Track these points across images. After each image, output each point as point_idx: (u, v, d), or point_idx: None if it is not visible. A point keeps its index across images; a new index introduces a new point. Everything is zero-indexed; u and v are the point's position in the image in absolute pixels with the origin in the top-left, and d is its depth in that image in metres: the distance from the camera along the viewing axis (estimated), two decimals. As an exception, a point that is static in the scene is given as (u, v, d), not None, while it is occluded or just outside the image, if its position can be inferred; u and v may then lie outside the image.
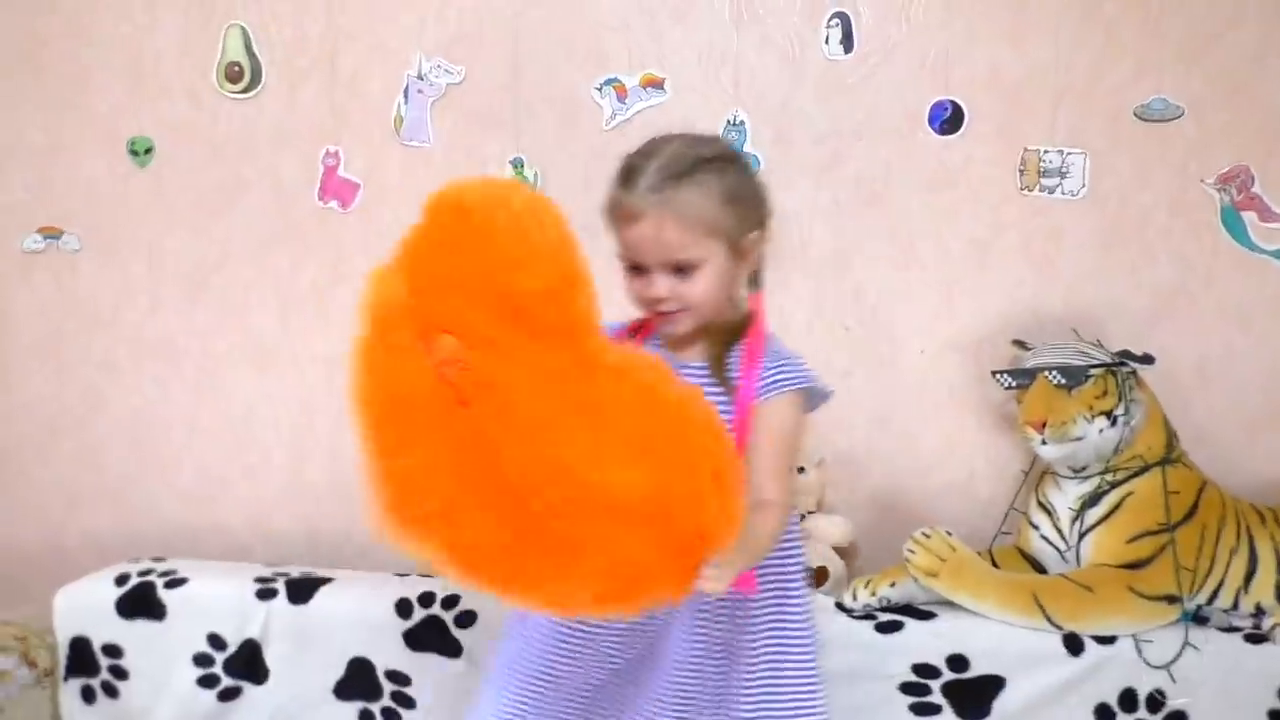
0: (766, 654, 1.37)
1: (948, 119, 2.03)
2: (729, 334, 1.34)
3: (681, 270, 1.27)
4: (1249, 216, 1.98)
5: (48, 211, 2.29)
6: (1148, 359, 1.83)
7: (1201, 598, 1.80)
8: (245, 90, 2.22)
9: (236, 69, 2.22)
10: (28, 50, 2.25)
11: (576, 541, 1.14)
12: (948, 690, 1.78)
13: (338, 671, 1.93)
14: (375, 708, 1.92)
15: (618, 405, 1.16)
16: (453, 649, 1.89)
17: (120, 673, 1.98)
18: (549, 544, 1.15)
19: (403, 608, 1.91)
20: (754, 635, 1.37)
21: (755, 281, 1.37)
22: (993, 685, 1.77)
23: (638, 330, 1.39)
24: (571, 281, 1.17)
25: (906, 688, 1.78)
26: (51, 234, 2.29)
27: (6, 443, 2.35)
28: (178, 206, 2.26)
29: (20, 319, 2.32)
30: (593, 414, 1.15)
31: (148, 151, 2.25)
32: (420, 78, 2.16)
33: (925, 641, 1.78)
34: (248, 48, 2.20)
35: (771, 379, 1.30)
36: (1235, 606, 1.81)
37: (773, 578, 1.36)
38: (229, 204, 2.25)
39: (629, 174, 1.28)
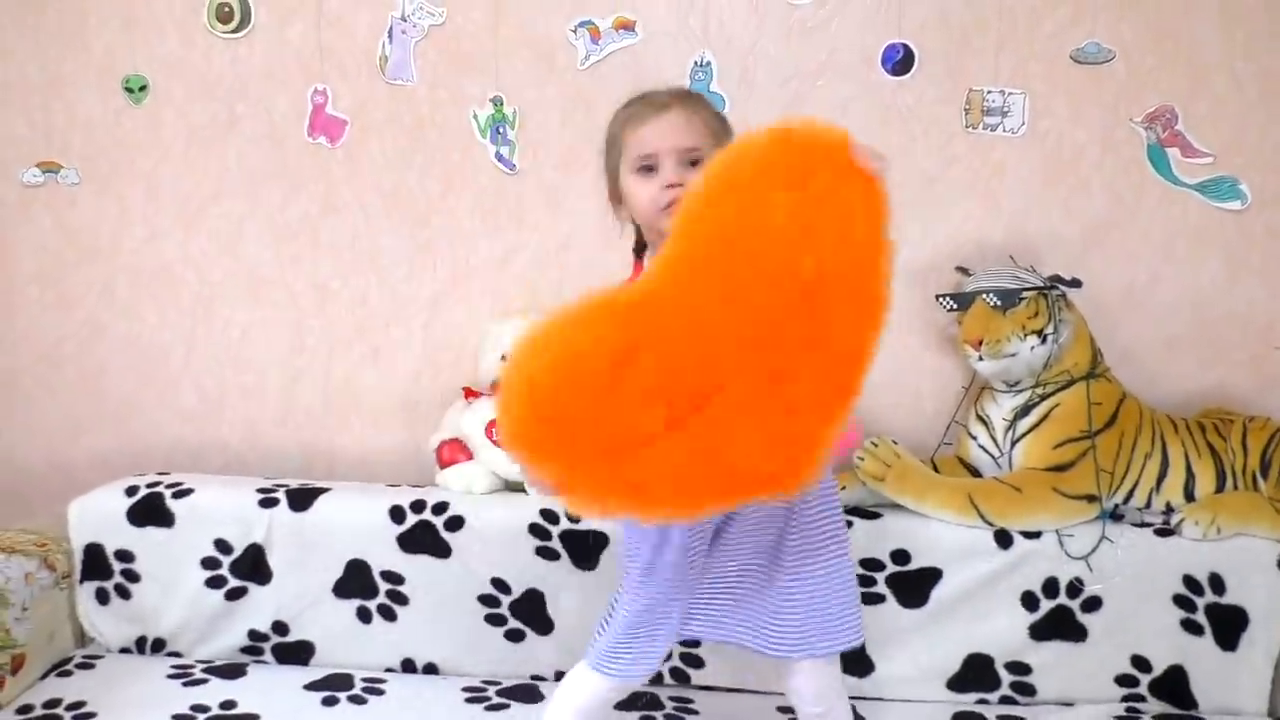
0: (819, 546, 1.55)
1: (899, 61, 2.17)
2: None
3: (694, 161, 1.41)
4: (1173, 153, 2.13)
5: (47, 146, 2.38)
6: (1075, 283, 1.99)
7: (1118, 497, 1.99)
8: (236, 30, 2.31)
9: (227, 9, 2.31)
10: (27, -8, 2.34)
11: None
12: (891, 581, 1.96)
13: (336, 572, 2.08)
14: (371, 605, 2.09)
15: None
16: (443, 551, 2.05)
17: (132, 576, 2.13)
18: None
19: (396, 514, 2.07)
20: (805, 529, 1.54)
21: None
22: (931, 576, 1.95)
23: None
24: None
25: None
26: (50, 168, 2.39)
27: (12, 369, 2.47)
28: (173, 142, 2.36)
29: (22, 250, 2.43)
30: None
31: (143, 89, 2.35)
32: (404, 19, 2.27)
33: (872, 538, 1.96)
34: (237, -11, 2.30)
35: None
36: (1148, 505, 2.00)
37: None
38: (222, 139, 2.35)
39: (644, 95, 1.47)
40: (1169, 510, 1.99)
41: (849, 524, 1.95)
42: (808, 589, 1.53)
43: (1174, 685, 1.92)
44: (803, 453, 1.25)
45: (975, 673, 1.97)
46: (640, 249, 1.54)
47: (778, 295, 1.19)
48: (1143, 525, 1.96)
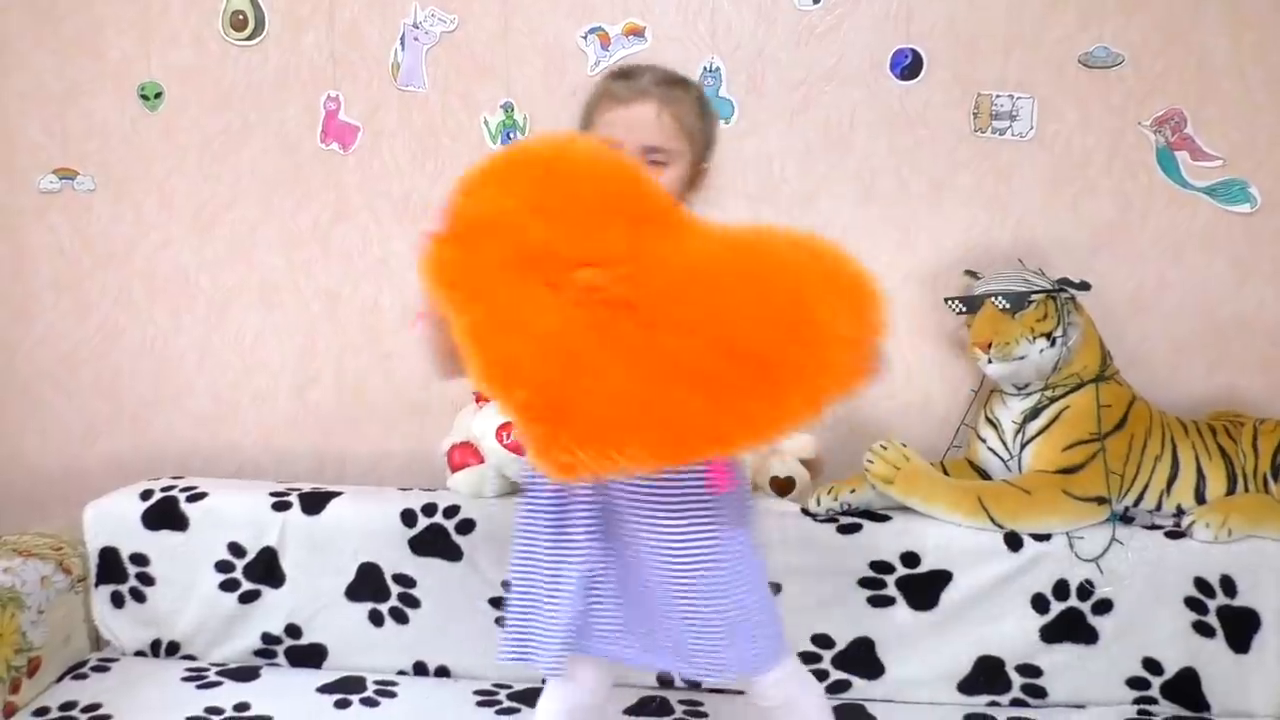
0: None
1: (908, 66, 2.18)
2: None
3: (655, 162, 1.39)
4: (1182, 156, 2.14)
5: (64, 153, 2.41)
6: (1084, 285, 2.00)
7: (1129, 499, 1.99)
8: (249, 38, 2.34)
9: (241, 17, 2.33)
10: (44, 2, 2.36)
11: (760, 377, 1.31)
12: (901, 584, 1.96)
13: (348, 575, 2.09)
14: (383, 608, 2.09)
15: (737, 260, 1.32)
16: (454, 554, 2.06)
17: (147, 579, 2.14)
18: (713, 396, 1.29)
19: (407, 517, 2.08)
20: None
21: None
22: (941, 579, 1.95)
23: None
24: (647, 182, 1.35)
25: (865, 582, 1.97)
26: (67, 175, 2.42)
27: (29, 374, 2.49)
28: (187, 148, 2.38)
29: (39, 256, 2.45)
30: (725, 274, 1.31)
31: (158, 96, 2.38)
32: (416, 26, 2.29)
33: (881, 541, 1.96)
34: (251, -3, 2.33)
35: None
36: (1158, 507, 2.00)
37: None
38: (236, 146, 2.37)
39: (629, 73, 1.44)
40: (1179, 513, 1.98)
41: (858, 527, 1.97)
42: (699, 609, 1.45)
43: (1186, 688, 1.92)
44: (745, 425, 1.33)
45: (986, 675, 1.96)
46: None
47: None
48: (1153, 528, 1.96)
